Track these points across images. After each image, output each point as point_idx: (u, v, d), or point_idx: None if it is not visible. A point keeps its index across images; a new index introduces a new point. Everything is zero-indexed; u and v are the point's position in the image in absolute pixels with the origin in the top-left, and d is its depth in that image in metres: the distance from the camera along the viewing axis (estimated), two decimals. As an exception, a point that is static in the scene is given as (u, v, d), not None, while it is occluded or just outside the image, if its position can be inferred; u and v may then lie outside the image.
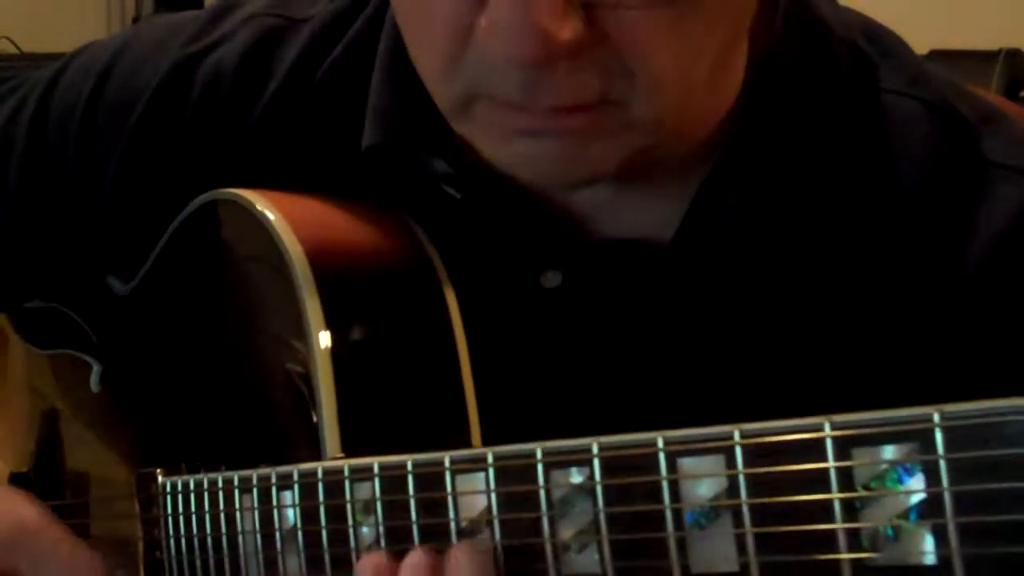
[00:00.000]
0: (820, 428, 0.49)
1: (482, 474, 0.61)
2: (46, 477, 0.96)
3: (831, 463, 0.49)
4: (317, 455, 0.71)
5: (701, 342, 0.77)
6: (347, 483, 0.67)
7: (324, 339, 0.72)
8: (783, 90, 0.76)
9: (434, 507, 0.63)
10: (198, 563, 0.77)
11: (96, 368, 0.93)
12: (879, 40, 0.80)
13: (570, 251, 0.78)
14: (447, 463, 0.62)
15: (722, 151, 0.75)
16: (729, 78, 0.75)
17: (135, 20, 3.28)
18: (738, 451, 0.52)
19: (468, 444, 0.73)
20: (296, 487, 0.70)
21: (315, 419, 0.72)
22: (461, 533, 0.62)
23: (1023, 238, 0.74)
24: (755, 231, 0.75)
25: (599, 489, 0.56)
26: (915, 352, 0.74)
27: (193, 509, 0.77)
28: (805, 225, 0.75)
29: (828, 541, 0.49)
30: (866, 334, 0.75)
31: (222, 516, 0.75)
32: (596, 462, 0.56)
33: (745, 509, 0.51)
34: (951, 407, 0.46)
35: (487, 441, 0.72)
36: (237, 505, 0.74)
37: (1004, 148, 0.77)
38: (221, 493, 0.75)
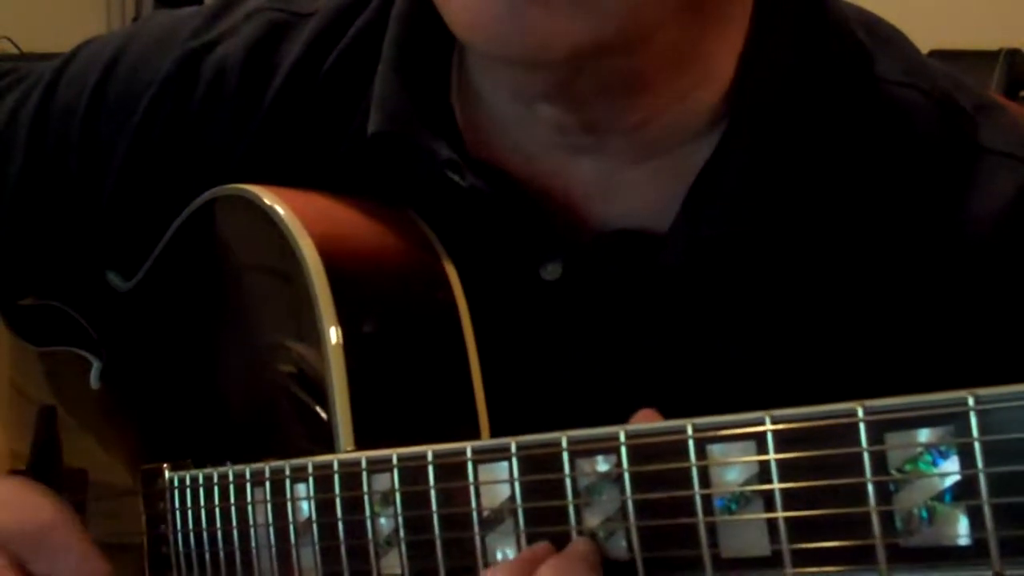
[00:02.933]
0: (853, 414, 0.50)
1: (505, 463, 0.61)
2: (43, 475, 0.95)
3: (864, 447, 0.49)
4: (325, 450, 0.71)
5: (703, 331, 0.77)
6: (364, 474, 0.67)
7: (336, 332, 0.73)
8: (778, 76, 0.76)
9: (455, 497, 0.63)
10: (207, 557, 0.77)
11: (96, 365, 0.92)
12: (876, 30, 0.81)
13: (569, 243, 0.78)
14: (469, 453, 0.62)
15: (717, 138, 0.76)
16: (722, 47, 0.76)
17: (135, 20, 3.27)
18: (769, 437, 0.52)
19: (477, 437, 0.73)
20: (311, 479, 0.70)
21: (324, 414, 0.72)
22: (483, 523, 0.62)
23: (1018, 221, 0.76)
24: (752, 218, 0.76)
25: (626, 476, 0.57)
26: (914, 338, 0.75)
27: (202, 503, 0.77)
28: (802, 212, 0.76)
29: (862, 524, 0.49)
30: (867, 319, 0.76)
31: (233, 510, 0.75)
32: (623, 450, 0.57)
33: (777, 494, 0.52)
34: (985, 391, 0.47)
35: (494, 435, 0.73)
36: (249, 498, 0.74)
37: (1000, 135, 0.78)
38: (232, 487, 0.75)
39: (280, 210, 0.77)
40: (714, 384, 0.76)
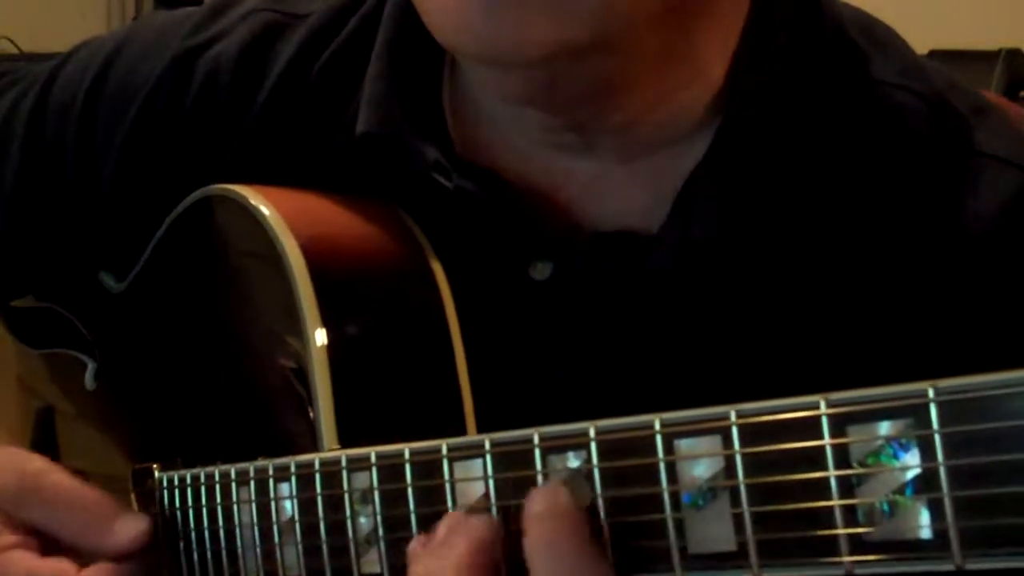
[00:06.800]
0: (815, 407, 0.50)
1: (479, 461, 0.61)
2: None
3: (827, 440, 0.49)
4: (313, 449, 0.71)
5: (692, 331, 0.77)
6: (344, 473, 0.67)
7: (320, 333, 0.73)
8: (772, 77, 0.76)
9: (432, 495, 0.63)
10: (195, 556, 0.77)
11: (91, 365, 0.93)
12: (871, 31, 0.80)
13: (559, 243, 0.78)
14: (444, 450, 0.62)
15: (709, 139, 0.75)
16: (711, 46, 0.75)
17: (135, 20, 3.29)
18: (735, 431, 0.52)
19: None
20: (293, 479, 0.70)
21: (310, 415, 0.72)
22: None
23: (1012, 227, 0.75)
24: (743, 220, 0.75)
25: (596, 473, 0.56)
26: (906, 341, 0.75)
27: (190, 503, 0.78)
28: (794, 213, 0.76)
29: (825, 518, 0.49)
30: (858, 320, 0.76)
31: (219, 509, 0.75)
32: (593, 446, 0.57)
33: (742, 489, 0.52)
34: (945, 382, 0.46)
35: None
36: (234, 498, 0.74)
37: (995, 139, 0.77)
38: (218, 486, 0.75)
39: (266, 211, 0.77)
40: (703, 386, 0.76)
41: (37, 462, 0.79)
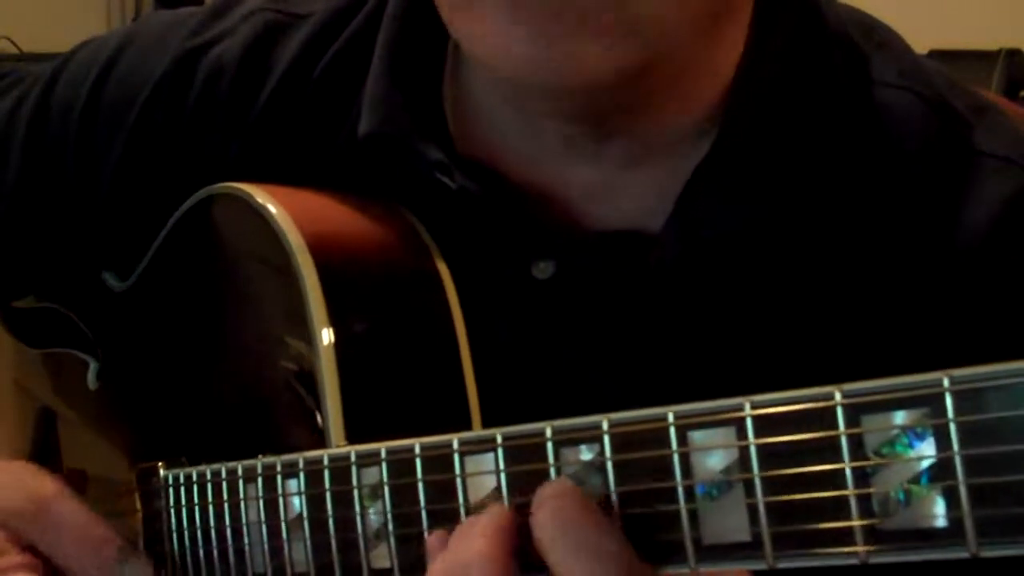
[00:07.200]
0: (830, 397, 0.50)
1: (491, 455, 0.61)
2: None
3: (842, 430, 0.50)
4: (319, 447, 0.71)
5: (695, 330, 0.78)
6: (354, 468, 0.67)
7: (327, 331, 0.73)
8: (774, 77, 0.77)
9: (442, 489, 0.63)
10: (202, 555, 0.77)
11: (93, 365, 0.93)
12: (873, 33, 0.81)
13: (562, 242, 0.79)
14: (455, 445, 0.62)
15: (712, 139, 0.76)
16: (723, 50, 0.76)
17: (135, 20, 3.29)
18: (748, 422, 0.52)
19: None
20: (302, 475, 0.70)
21: (317, 412, 0.73)
22: (470, 515, 0.62)
23: (1013, 226, 0.76)
24: (746, 219, 0.76)
25: (609, 465, 0.57)
26: (907, 340, 0.75)
27: (196, 501, 0.78)
28: (796, 212, 0.76)
29: (840, 508, 0.50)
30: (861, 319, 0.76)
31: (226, 506, 0.75)
32: (606, 439, 0.57)
33: (757, 480, 0.52)
34: (960, 371, 0.47)
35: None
36: (242, 495, 0.74)
37: (994, 139, 0.78)
38: (225, 483, 0.75)
39: (272, 209, 0.78)
40: (705, 383, 0.76)
41: (51, 485, 0.79)
